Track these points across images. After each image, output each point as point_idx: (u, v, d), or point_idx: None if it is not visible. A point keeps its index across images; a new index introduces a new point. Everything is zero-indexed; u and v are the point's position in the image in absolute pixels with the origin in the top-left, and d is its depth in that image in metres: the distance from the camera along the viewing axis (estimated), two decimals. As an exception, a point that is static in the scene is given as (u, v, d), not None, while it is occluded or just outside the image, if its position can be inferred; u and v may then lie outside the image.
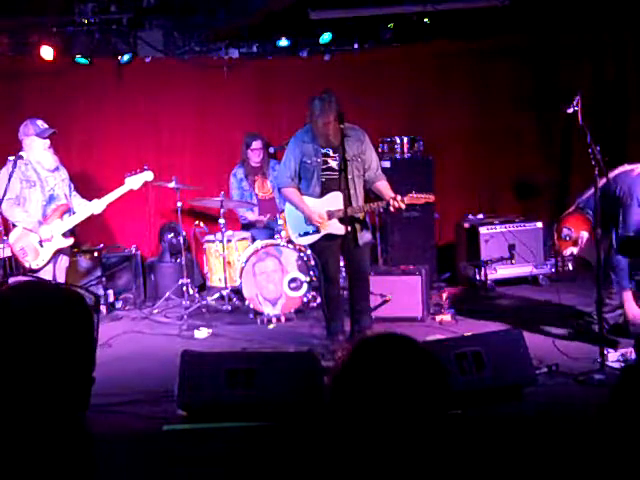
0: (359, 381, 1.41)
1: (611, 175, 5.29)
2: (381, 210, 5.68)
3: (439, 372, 1.44)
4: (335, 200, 5.57)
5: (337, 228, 5.60)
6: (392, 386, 1.39)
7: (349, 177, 5.41)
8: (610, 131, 8.16)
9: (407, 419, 1.38)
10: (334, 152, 5.56)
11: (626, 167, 5.39)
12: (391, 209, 5.51)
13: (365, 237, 5.71)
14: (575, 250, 5.58)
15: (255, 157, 7.70)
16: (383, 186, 5.64)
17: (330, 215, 5.62)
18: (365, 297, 5.79)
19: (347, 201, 5.28)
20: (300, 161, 5.64)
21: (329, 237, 5.67)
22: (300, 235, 5.78)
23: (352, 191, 5.49)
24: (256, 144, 7.69)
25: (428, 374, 1.42)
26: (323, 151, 5.60)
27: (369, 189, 5.74)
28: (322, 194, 5.65)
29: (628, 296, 5.34)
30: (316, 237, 5.71)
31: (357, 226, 5.60)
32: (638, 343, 4.99)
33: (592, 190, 5.14)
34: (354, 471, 1.38)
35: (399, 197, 5.45)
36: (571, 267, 5.67)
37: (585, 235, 5.48)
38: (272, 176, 7.67)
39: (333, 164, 5.60)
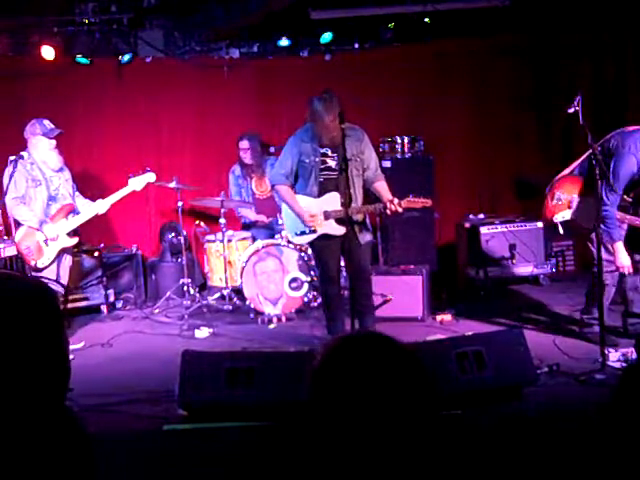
0: (336, 379, 1.40)
1: (608, 136, 5.36)
2: (382, 210, 5.66)
3: (418, 371, 1.41)
4: (333, 200, 5.56)
5: (334, 228, 5.59)
6: (368, 385, 1.38)
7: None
8: (610, 131, 8.13)
9: (384, 418, 1.36)
10: (333, 152, 5.55)
11: (622, 128, 5.42)
12: (387, 212, 5.49)
13: (365, 237, 5.69)
14: (568, 213, 5.53)
15: (244, 156, 7.70)
16: (381, 187, 5.61)
17: (327, 215, 5.60)
18: (367, 297, 5.78)
19: (347, 201, 5.26)
20: (298, 160, 5.62)
21: (327, 236, 5.66)
22: (296, 234, 5.77)
23: (350, 190, 5.47)
24: (241, 144, 7.69)
25: (406, 373, 1.40)
26: (322, 151, 5.58)
27: (368, 189, 5.73)
28: (320, 194, 5.63)
29: (619, 247, 5.30)
30: (312, 237, 5.70)
31: (355, 227, 5.57)
32: (639, 343, 4.99)
33: (586, 155, 5.28)
34: (332, 470, 1.37)
35: (396, 200, 5.42)
36: (561, 231, 5.59)
37: (577, 198, 5.47)
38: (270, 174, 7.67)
39: (332, 164, 5.59)
